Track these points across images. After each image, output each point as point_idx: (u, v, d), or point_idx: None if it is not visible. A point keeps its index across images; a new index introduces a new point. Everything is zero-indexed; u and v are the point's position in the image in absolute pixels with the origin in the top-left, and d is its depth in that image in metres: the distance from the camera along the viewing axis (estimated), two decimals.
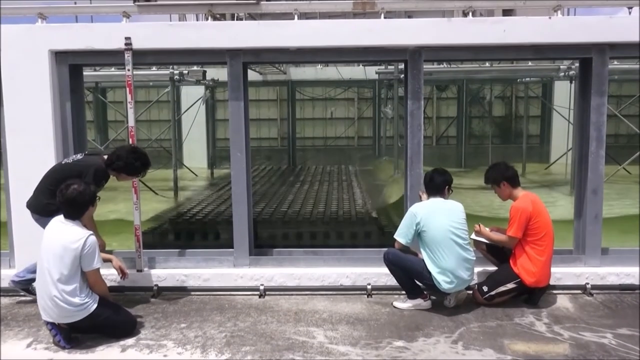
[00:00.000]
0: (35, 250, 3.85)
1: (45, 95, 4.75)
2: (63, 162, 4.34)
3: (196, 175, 13.01)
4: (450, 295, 4.31)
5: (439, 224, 4.20)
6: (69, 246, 3.66)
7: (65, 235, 3.70)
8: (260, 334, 3.93)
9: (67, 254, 3.65)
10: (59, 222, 3.80)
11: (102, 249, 4.33)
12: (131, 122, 4.78)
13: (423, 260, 4.24)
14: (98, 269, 3.78)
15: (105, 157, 4.24)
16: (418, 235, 4.25)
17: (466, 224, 4.33)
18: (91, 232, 3.78)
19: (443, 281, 4.18)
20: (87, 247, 3.68)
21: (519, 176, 4.56)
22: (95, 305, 3.73)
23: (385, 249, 4.42)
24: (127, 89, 4.71)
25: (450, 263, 4.17)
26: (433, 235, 4.18)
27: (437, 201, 4.35)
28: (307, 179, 10.68)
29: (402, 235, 4.28)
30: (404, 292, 4.45)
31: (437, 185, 4.39)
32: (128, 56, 4.66)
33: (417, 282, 4.34)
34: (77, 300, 3.67)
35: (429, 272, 4.20)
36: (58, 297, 3.65)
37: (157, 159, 14.20)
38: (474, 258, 4.32)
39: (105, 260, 4.05)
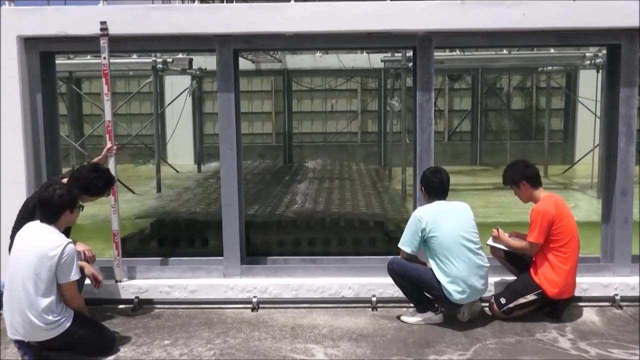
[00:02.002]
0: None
1: (14, 86, 4.73)
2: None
3: (177, 171, 13.00)
4: (463, 307, 4.30)
5: (448, 228, 4.20)
6: (46, 254, 3.63)
7: (41, 242, 3.68)
8: (253, 351, 3.92)
9: (43, 263, 3.63)
10: (34, 226, 3.78)
11: (92, 261, 4.32)
12: (108, 115, 4.77)
13: (431, 269, 4.24)
14: (75, 282, 3.77)
15: (65, 180, 4.27)
16: (424, 242, 4.25)
17: (476, 226, 4.33)
18: (70, 240, 3.77)
19: (454, 291, 4.18)
20: (65, 256, 3.65)
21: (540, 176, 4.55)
22: (70, 322, 3.70)
23: (390, 259, 4.41)
24: (103, 79, 4.71)
25: (462, 271, 4.16)
26: (442, 241, 4.18)
27: (441, 203, 4.35)
28: (305, 179, 10.68)
29: (407, 244, 4.28)
30: (412, 305, 4.45)
31: (445, 185, 4.37)
32: (104, 43, 4.66)
33: (427, 294, 4.33)
34: (50, 317, 3.64)
35: (438, 282, 4.19)
36: (30, 313, 3.62)
37: (138, 156, 14.36)
38: (488, 264, 4.32)
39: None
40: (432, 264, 4.24)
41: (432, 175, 4.41)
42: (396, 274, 4.37)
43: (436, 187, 4.39)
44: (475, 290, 4.22)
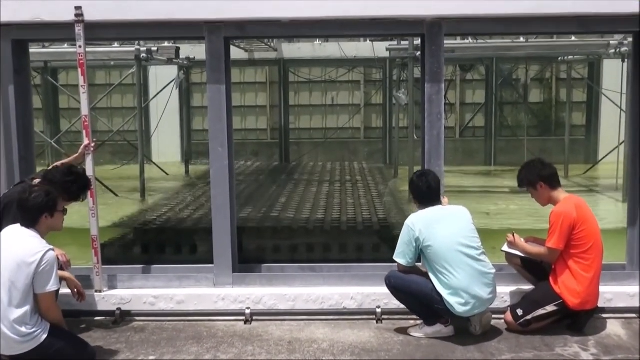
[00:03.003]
0: None
1: None
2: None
3: (167, 174, 13.01)
4: (474, 319, 4.31)
5: (444, 236, 4.19)
6: (24, 260, 3.64)
7: (19, 247, 3.69)
8: None
9: (20, 270, 3.63)
10: (13, 230, 3.80)
11: (66, 267, 4.33)
12: (84, 110, 4.78)
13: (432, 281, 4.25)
14: (54, 293, 3.77)
15: (37, 181, 4.27)
16: (421, 252, 4.25)
17: (476, 231, 4.33)
18: (51, 247, 3.78)
19: (457, 303, 4.17)
20: (45, 263, 3.66)
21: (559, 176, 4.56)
22: (45, 335, 3.70)
23: (388, 273, 4.41)
24: (79, 70, 4.71)
25: (463, 280, 4.16)
26: (438, 250, 4.17)
27: (435, 208, 4.35)
28: (303, 179, 10.68)
29: (401, 255, 4.29)
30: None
31: (433, 190, 4.35)
32: (79, 30, 4.66)
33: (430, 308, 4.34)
34: (24, 329, 3.64)
35: (440, 295, 4.20)
36: (2, 324, 3.62)
37: (120, 155, 14.36)
38: (493, 271, 4.31)
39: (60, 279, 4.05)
40: (430, 275, 4.24)
41: (419, 180, 4.39)
42: (395, 288, 4.39)
43: (423, 193, 4.38)
44: (481, 300, 4.21)
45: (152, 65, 12.34)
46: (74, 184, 4.28)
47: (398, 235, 4.37)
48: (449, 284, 4.17)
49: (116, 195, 10.31)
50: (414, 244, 4.23)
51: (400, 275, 4.34)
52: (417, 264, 4.38)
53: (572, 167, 12.69)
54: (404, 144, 12.15)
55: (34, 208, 3.79)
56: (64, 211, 4.01)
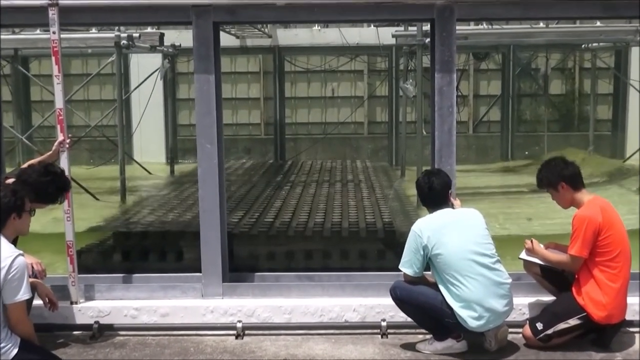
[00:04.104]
0: None
1: None
2: None
3: (150, 173, 13.01)
4: (488, 334, 4.31)
5: (455, 243, 4.19)
6: None
7: None
8: None
9: None
10: None
11: (41, 277, 4.32)
12: (59, 102, 4.78)
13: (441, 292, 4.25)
14: (24, 303, 3.77)
15: (10, 181, 4.26)
16: (429, 260, 4.25)
17: (490, 236, 4.33)
18: (21, 252, 3.78)
19: (469, 317, 4.17)
20: (14, 270, 3.66)
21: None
22: (15, 350, 3.70)
23: (393, 283, 4.41)
24: (53, 58, 4.71)
25: (476, 292, 4.16)
26: (448, 259, 4.17)
27: (444, 212, 4.35)
28: (301, 179, 10.69)
29: (407, 264, 4.30)
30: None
31: (435, 191, 4.35)
32: (53, 14, 4.66)
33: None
34: None
35: (450, 308, 4.20)
36: None
37: (98, 152, 14.35)
38: (509, 280, 4.31)
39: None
40: (440, 286, 4.24)
41: (422, 180, 4.41)
42: (401, 300, 4.39)
43: (424, 194, 4.40)
44: (496, 313, 4.22)
45: (133, 53, 12.34)
46: (50, 185, 4.26)
47: (404, 241, 4.37)
48: (460, 295, 4.16)
49: (96, 198, 10.30)
50: (422, 252, 4.22)
51: (406, 285, 4.35)
52: (426, 272, 4.38)
53: (598, 164, 12.68)
54: (411, 141, 12.15)
55: (2, 209, 3.79)
56: (31, 212, 4.00)
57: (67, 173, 4.65)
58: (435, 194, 4.37)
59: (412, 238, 4.28)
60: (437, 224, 4.28)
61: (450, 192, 4.47)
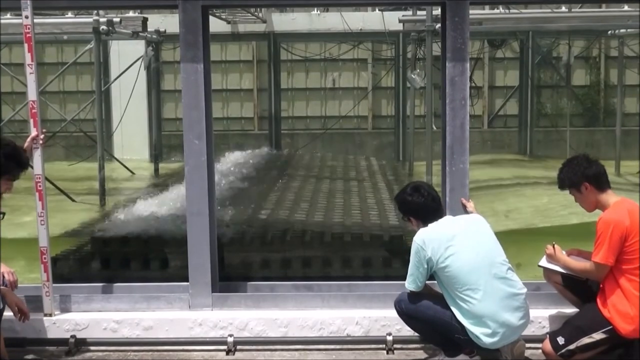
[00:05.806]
0: None
1: None
2: None
3: (133, 172, 13.03)
4: (504, 349, 4.31)
5: (465, 255, 4.17)
6: None
7: None
8: None
9: None
10: None
11: (13, 287, 4.32)
12: (32, 94, 4.78)
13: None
14: None
15: None
16: (434, 274, 4.25)
17: (499, 243, 4.33)
18: None
19: (482, 334, 4.16)
20: None
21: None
22: None
23: (397, 296, 4.41)
24: (26, 46, 4.71)
25: (488, 306, 4.14)
26: (456, 272, 4.15)
27: (448, 221, 4.35)
28: (298, 178, 10.70)
29: (413, 282, 4.28)
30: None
31: (437, 200, 4.36)
32: None
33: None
34: None
35: (460, 324, 4.20)
36: None
37: (74, 149, 14.37)
38: (524, 290, 4.30)
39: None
40: (448, 301, 4.23)
41: (415, 195, 4.34)
42: (407, 315, 4.38)
43: (428, 207, 4.33)
44: (512, 328, 4.21)
45: (113, 39, 12.35)
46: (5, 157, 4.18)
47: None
48: (471, 311, 4.15)
49: (72, 199, 10.31)
50: (425, 266, 4.19)
51: (412, 298, 4.34)
52: (432, 281, 4.37)
53: (624, 164, 12.72)
54: (420, 136, 12.16)
55: None
56: (2, 215, 3.98)
57: (40, 172, 4.64)
58: (439, 203, 4.39)
59: (414, 250, 4.25)
60: (443, 235, 4.24)
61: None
